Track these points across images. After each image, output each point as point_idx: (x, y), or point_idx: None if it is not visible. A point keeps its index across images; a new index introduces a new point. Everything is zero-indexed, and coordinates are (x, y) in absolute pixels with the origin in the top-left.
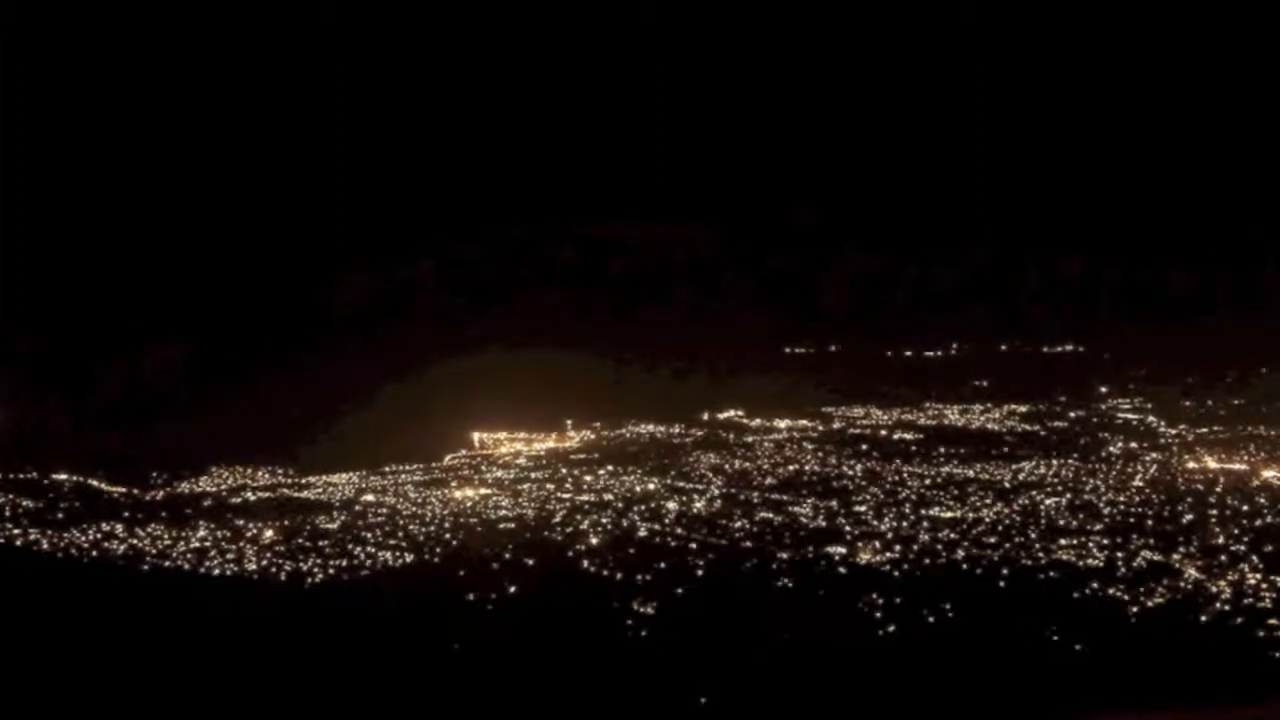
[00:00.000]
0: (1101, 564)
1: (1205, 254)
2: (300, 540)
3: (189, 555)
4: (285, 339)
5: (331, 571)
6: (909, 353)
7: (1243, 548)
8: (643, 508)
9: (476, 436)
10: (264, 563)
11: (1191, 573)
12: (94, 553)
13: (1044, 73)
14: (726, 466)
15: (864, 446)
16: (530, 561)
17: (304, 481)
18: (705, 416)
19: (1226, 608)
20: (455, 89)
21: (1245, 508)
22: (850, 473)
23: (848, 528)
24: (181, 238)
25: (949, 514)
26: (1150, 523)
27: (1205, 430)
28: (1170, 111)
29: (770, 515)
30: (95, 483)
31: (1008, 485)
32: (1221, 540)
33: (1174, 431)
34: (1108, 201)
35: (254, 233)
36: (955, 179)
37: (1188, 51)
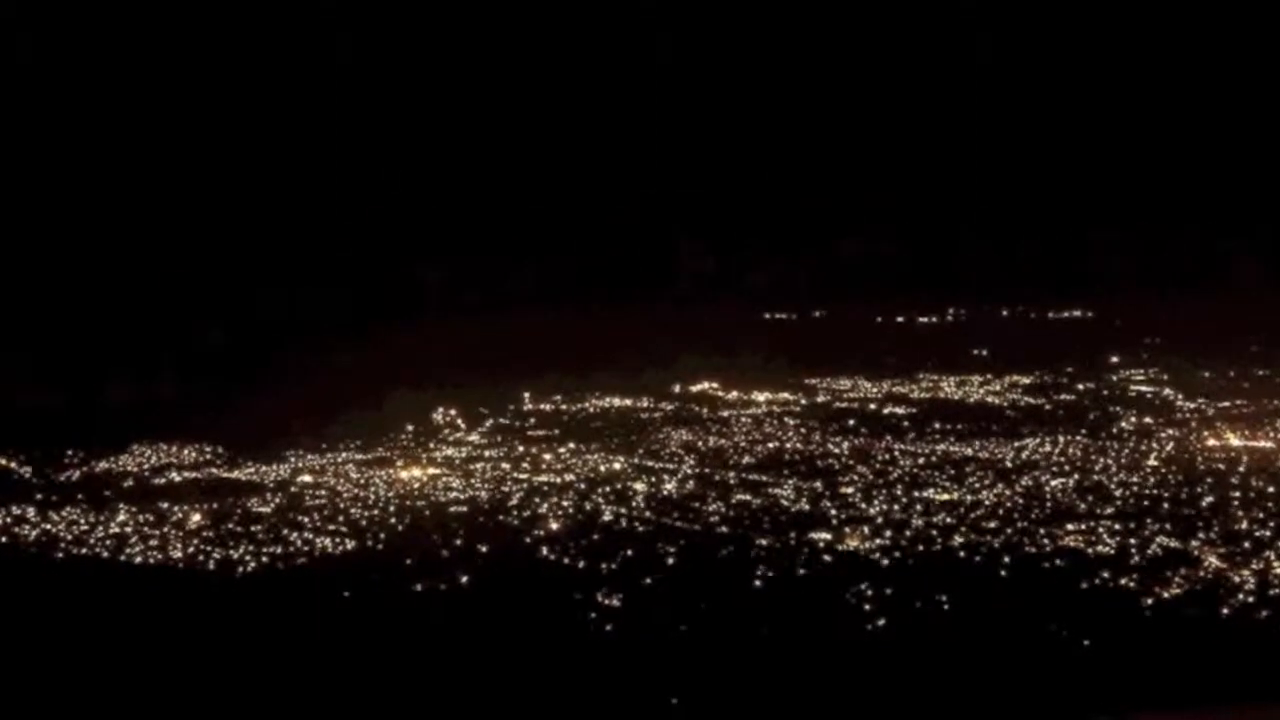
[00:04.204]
0: (1113, 551)
1: (1226, 213)
2: (231, 525)
3: (108, 542)
4: (213, 302)
5: (265, 560)
6: (901, 318)
7: (1268, 533)
8: (608, 489)
9: (425, 410)
10: (190, 550)
11: (1212, 561)
12: (3, 538)
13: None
14: (700, 444)
15: (851, 422)
16: (484, 549)
17: (235, 461)
18: (676, 389)
19: (1250, 599)
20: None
21: (1271, 489)
22: (836, 451)
23: (833, 511)
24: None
25: (945, 496)
26: (1166, 506)
27: (1227, 404)
28: (1198, 66)
29: (748, 497)
30: (4, 461)
31: (1010, 464)
32: (1244, 525)
33: (1192, 405)
34: (1119, 157)
35: (181, 198)
36: (956, 135)
37: (1198, 22)
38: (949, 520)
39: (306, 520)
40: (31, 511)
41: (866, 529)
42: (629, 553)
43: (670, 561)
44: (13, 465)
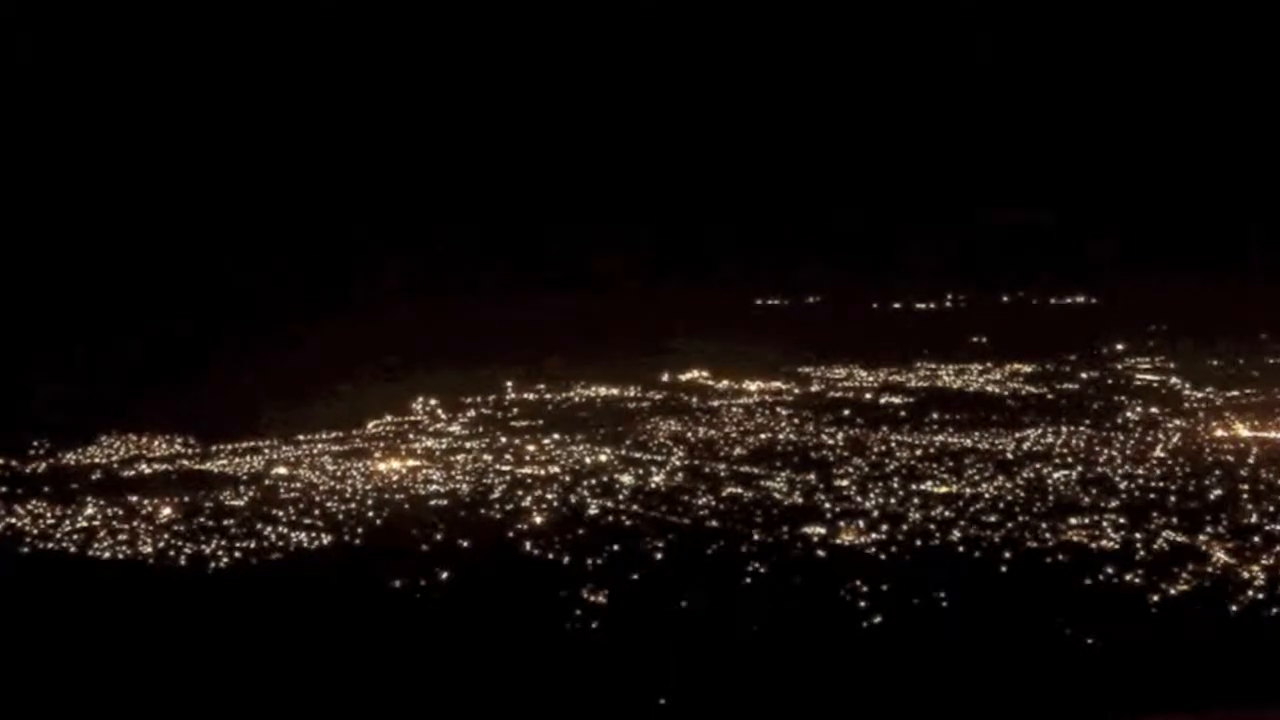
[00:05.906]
0: (1117, 546)
1: (1235, 197)
2: (202, 519)
3: (75, 536)
4: (184, 288)
5: (238, 555)
6: (897, 304)
7: (1278, 527)
8: (593, 481)
9: (404, 400)
10: (161, 545)
11: (1220, 556)
12: None
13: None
14: (689, 435)
15: (846, 412)
16: (465, 544)
17: (207, 452)
18: (665, 377)
19: (1260, 595)
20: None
21: None
22: (830, 442)
23: (828, 505)
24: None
25: (943, 489)
26: (1173, 499)
27: (1235, 393)
28: (1202, 52)
29: (739, 490)
30: None
31: (1010, 456)
32: (1254, 519)
33: (1200, 395)
34: (1124, 139)
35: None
36: (954, 116)
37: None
38: (948, 514)
39: (281, 514)
40: None
41: (862, 523)
42: (615, 547)
43: (658, 557)
44: None
